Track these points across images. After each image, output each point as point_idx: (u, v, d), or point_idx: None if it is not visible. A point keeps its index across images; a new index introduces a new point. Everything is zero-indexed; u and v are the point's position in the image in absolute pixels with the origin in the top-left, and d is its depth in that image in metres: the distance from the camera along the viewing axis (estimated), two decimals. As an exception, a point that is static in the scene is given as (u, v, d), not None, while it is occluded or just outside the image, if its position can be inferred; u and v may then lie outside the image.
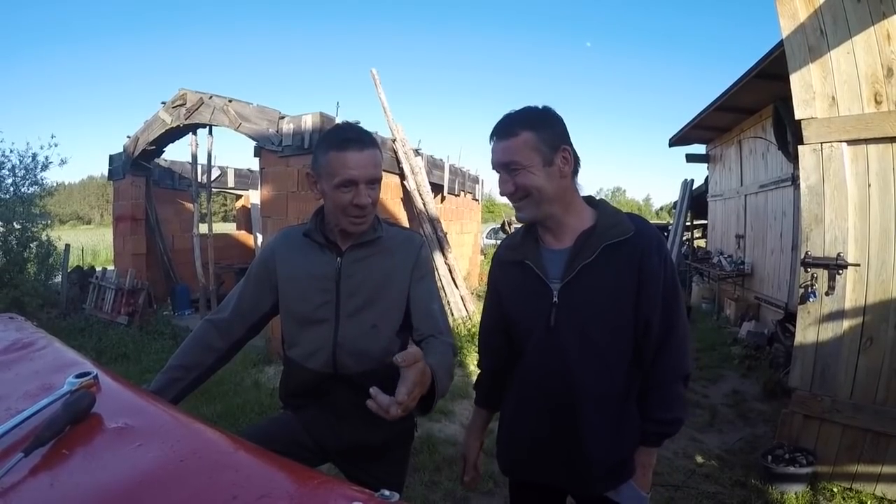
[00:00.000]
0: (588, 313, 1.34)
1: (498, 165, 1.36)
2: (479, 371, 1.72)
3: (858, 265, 2.96)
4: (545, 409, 1.41)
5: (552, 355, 1.37)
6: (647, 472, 1.46)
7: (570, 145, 1.36)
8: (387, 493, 0.65)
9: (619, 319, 1.35)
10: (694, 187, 10.23)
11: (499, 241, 17.38)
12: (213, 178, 8.89)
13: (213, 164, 7.97)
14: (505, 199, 1.42)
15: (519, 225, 1.54)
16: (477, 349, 1.77)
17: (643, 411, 1.42)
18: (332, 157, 1.44)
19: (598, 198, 1.49)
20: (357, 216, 1.48)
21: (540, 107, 1.38)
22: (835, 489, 3.00)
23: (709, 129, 8.10)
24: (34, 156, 8.55)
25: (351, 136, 1.46)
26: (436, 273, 6.95)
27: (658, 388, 1.42)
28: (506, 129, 1.34)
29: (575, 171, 1.39)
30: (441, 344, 1.49)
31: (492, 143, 1.37)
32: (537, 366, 1.41)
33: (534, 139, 1.31)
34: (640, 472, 1.44)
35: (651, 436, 1.45)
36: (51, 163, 8.74)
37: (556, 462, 1.42)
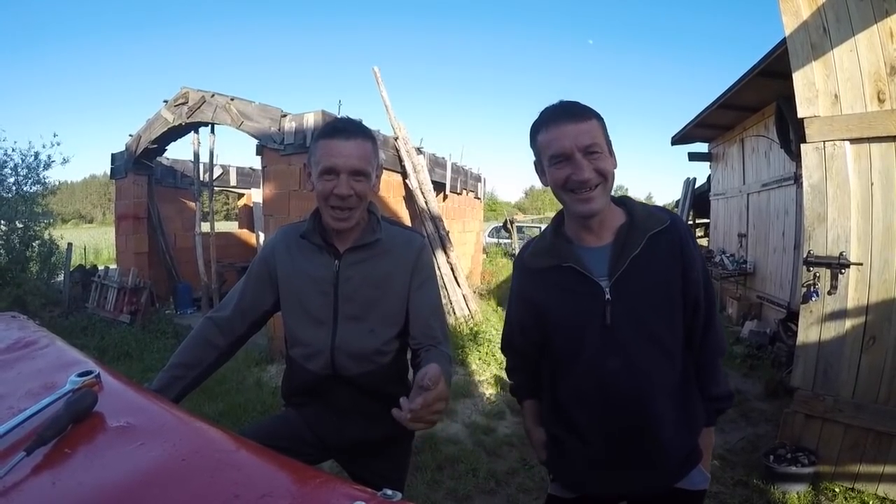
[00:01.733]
0: (645, 305, 1.32)
1: (576, 148, 1.25)
2: (511, 383, 1.68)
3: (861, 264, 2.95)
4: (609, 412, 1.35)
5: (612, 353, 1.32)
6: (709, 453, 1.48)
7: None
8: (389, 492, 0.65)
9: (673, 306, 1.34)
10: (696, 186, 10.20)
11: (500, 241, 17.59)
12: (215, 177, 8.88)
13: (215, 162, 7.97)
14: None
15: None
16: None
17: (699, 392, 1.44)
18: (320, 144, 1.45)
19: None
20: (337, 207, 1.44)
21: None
22: (837, 489, 3.00)
23: (711, 128, 8.07)
24: (37, 154, 8.60)
25: (339, 126, 1.46)
26: (438, 272, 6.94)
27: (707, 367, 1.45)
28: (578, 112, 1.29)
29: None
30: (441, 354, 1.51)
31: (555, 126, 1.28)
32: (595, 368, 1.34)
33: (601, 126, 1.30)
34: (706, 456, 1.46)
35: (711, 414, 1.47)
36: (53, 161, 8.80)
37: (629, 464, 1.37)
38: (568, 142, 1.26)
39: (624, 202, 1.43)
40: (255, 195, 11.20)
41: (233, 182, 11.49)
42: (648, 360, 1.33)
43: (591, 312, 1.33)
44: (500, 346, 1.70)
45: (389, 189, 7.08)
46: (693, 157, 9.47)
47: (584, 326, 1.34)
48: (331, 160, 1.42)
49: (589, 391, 1.37)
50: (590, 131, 1.26)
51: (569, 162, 1.27)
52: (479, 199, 12.40)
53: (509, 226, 17.29)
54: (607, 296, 1.31)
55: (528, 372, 1.60)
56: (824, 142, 3.02)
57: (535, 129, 1.34)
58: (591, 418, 1.39)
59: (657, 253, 1.32)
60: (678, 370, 1.37)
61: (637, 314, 1.32)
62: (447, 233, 7.56)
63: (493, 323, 6.98)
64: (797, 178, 5.41)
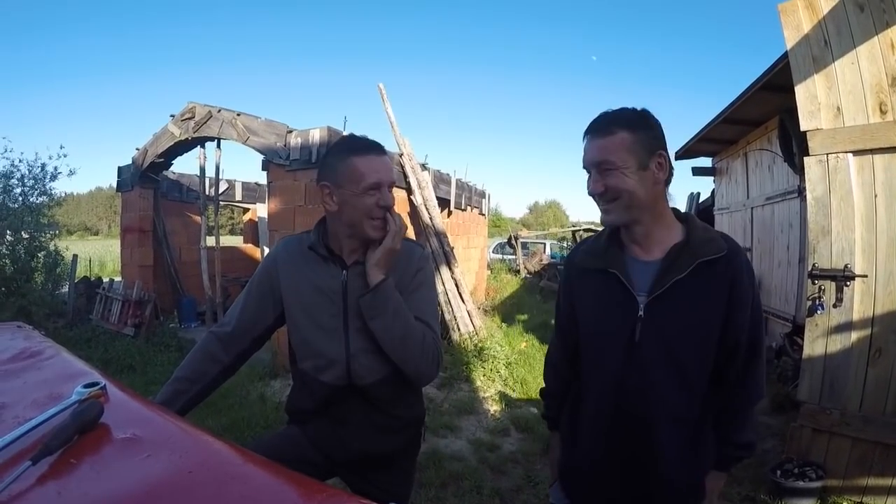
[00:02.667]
0: (676, 330, 1.28)
1: (590, 164, 1.31)
2: (546, 395, 1.67)
3: (866, 276, 2.95)
4: (619, 427, 1.34)
5: (633, 371, 1.30)
6: (714, 498, 1.44)
7: (667, 151, 1.31)
8: (394, 506, 0.65)
9: (707, 339, 1.29)
10: (700, 201, 10.20)
11: (505, 257, 17.54)
12: (220, 191, 8.93)
13: (220, 177, 8.01)
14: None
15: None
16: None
17: (720, 435, 1.39)
18: (356, 162, 1.46)
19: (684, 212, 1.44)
20: (382, 218, 1.50)
21: (638, 108, 1.32)
22: (845, 503, 2.97)
23: (715, 142, 8.07)
24: (43, 166, 8.59)
25: (370, 143, 1.52)
26: (442, 288, 6.94)
27: (738, 412, 1.39)
28: (602, 126, 1.29)
29: (668, 180, 1.34)
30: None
31: (585, 140, 1.33)
32: (615, 382, 1.33)
33: (630, 140, 1.26)
34: (710, 498, 1.42)
35: (727, 460, 1.43)
36: (59, 173, 8.77)
37: (626, 483, 1.37)
38: (586, 156, 1.32)
39: (687, 219, 1.40)
40: (261, 210, 11.27)
41: (238, 197, 11.55)
42: (666, 385, 1.30)
43: (620, 324, 1.32)
44: (544, 361, 1.71)
45: (394, 205, 7.08)
46: (697, 171, 9.45)
47: (610, 336, 1.34)
48: (377, 175, 1.47)
49: (604, 405, 1.36)
50: (605, 147, 1.27)
51: (589, 175, 1.33)
52: (483, 215, 12.40)
53: (514, 242, 17.24)
54: (640, 312, 1.29)
55: (564, 398, 1.58)
56: (827, 154, 3.03)
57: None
58: (600, 430, 1.38)
59: (704, 282, 1.27)
60: (696, 405, 1.33)
61: (665, 338, 1.29)
62: (451, 249, 7.56)
63: (497, 339, 6.95)
64: (801, 192, 5.40)
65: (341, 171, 1.48)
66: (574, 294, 1.46)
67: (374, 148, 1.51)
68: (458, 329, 6.93)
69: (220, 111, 6.85)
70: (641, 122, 1.29)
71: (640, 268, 1.34)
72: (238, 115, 6.65)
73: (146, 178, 8.33)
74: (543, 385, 1.68)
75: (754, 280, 1.36)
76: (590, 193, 1.33)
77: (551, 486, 1.61)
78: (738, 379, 1.35)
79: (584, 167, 1.34)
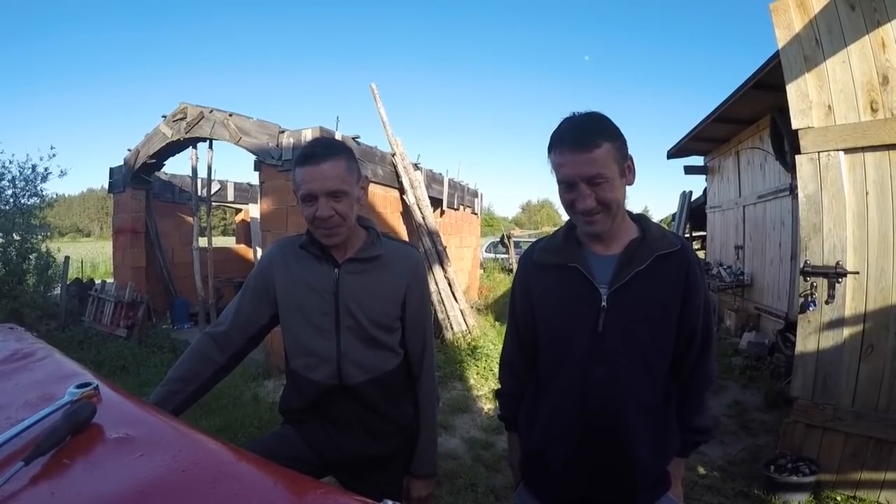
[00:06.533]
0: (638, 319, 1.32)
1: (579, 178, 1.25)
2: (502, 395, 1.65)
3: (857, 273, 2.97)
4: (586, 419, 1.35)
5: (598, 361, 1.33)
6: (679, 484, 1.47)
7: (631, 156, 1.34)
8: (389, 502, 0.65)
9: (665, 327, 1.34)
10: (692, 199, 10.23)
11: (497, 256, 17.55)
12: (212, 192, 8.90)
13: (213, 177, 7.98)
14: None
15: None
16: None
17: (680, 421, 1.43)
18: (297, 173, 1.49)
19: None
20: (323, 228, 1.48)
21: (600, 114, 1.32)
22: (838, 497, 2.99)
23: (707, 141, 8.11)
24: (34, 167, 8.55)
25: (309, 152, 1.49)
26: (435, 287, 6.95)
27: (694, 398, 1.44)
28: (585, 139, 1.25)
29: (630, 183, 1.36)
30: (427, 398, 1.71)
31: (560, 153, 1.28)
32: (580, 373, 1.34)
33: (612, 150, 1.26)
34: (675, 484, 1.45)
35: (687, 445, 1.46)
36: (50, 174, 8.75)
37: (597, 476, 1.37)
38: (572, 171, 1.26)
39: (640, 219, 1.44)
40: (253, 210, 11.22)
41: (230, 197, 11.50)
42: (631, 374, 1.33)
43: (584, 316, 1.34)
44: (499, 362, 1.70)
45: (387, 204, 7.09)
46: (689, 170, 9.48)
47: (574, 329, 1.36)
48: (307, 187, 1.45)
49: (570, 399, 1.37)
50: (596, 160, 1.23)
51: (573, 189, 1.28)
52: (476, 214, 12.42)
53: (506, 241, 17.23)
54: (603, 303, 1.32)
55: (520, 398, 1.58)
56: (819, 152, 3.05)
57: (550, 146, 1.32)
58: (567, 423, 1.39)
59: (661, 273, 1.32)
60: (659, 392, 1.37)
61: (629, 327, 1.32)
62: (444, 248, 7.56)
63: (490, 338, 6.96)
64: (792, 190, 5.43)
65: (293, 180, 1.52)
66: (533, 291, 1.46)
67: (311, 157, 1.46)
68: (452, 328, 6.94)
69: (212, 111, 6.83)
70: (614, 130, 1.30)
71: (599, 261, 1.37)
72: (230, 115, 6.63)
73: (138, 179, 8.28)
74: (499, 387, 1.68)
75: (703, 272, 1.43)
76: (579, 208, 1.28)
77: (516, 488, 1.61)
78: (694, 365, 1.41)
79: (566, 181, 1.28)
